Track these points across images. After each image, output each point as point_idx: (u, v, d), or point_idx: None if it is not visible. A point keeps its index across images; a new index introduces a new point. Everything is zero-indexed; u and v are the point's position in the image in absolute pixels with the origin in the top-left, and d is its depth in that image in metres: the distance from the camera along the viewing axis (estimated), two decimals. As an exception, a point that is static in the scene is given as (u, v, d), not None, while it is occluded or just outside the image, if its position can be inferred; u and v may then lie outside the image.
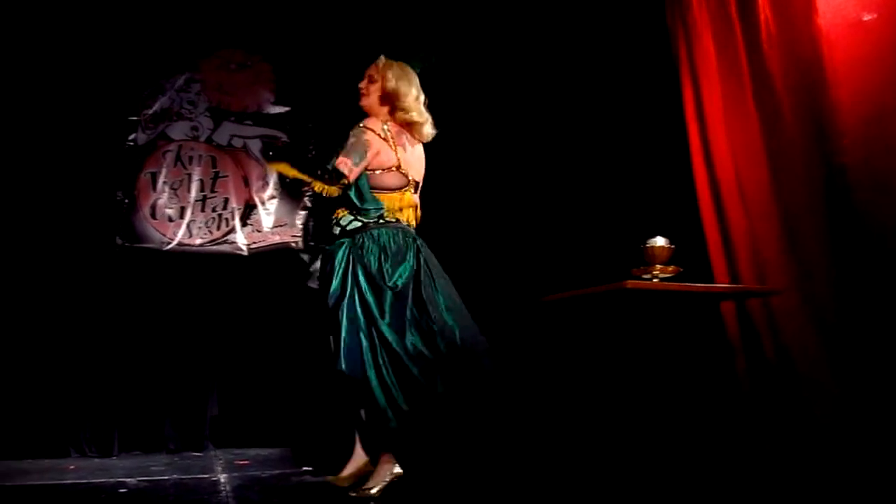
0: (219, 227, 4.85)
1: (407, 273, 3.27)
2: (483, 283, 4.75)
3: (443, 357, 3.15)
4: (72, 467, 3.92)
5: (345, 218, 3.33)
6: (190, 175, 4.84)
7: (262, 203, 4.93)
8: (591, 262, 4.01)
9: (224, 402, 4.62)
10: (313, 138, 4.99)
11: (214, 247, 4.83)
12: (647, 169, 4.17)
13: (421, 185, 3.52)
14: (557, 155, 4.67)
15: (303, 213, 4.97)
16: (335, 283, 3.21)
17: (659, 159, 4.11)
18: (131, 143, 4.77)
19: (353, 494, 3.03)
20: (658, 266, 3.24)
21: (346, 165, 3.18)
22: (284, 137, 4.99)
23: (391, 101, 3.40)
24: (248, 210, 4.91)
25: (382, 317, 3.15)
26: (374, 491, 3.03)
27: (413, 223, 3.45)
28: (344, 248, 3.28)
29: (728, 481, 3.06)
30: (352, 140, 3.25)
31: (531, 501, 2.94)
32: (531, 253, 4.67)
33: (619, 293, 3.04)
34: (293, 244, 4.92)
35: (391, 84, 3.39)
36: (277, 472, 3.63)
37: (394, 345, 3.11)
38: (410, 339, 3.16)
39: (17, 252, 4.38)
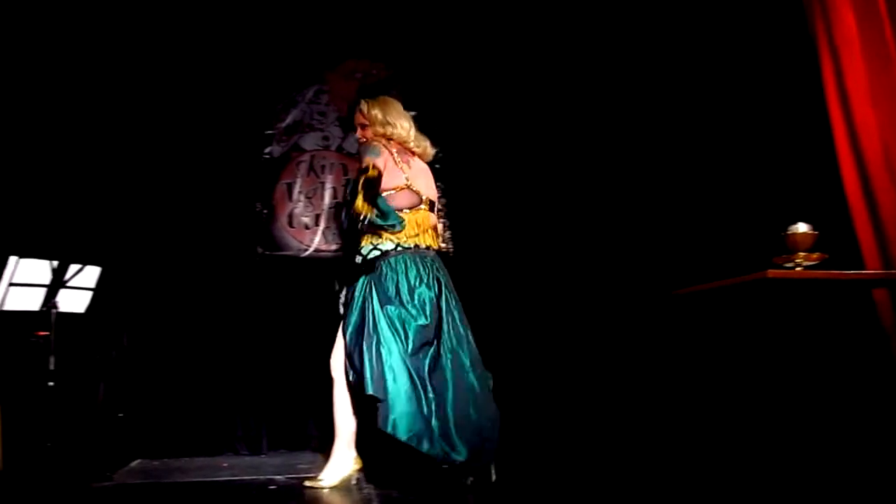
0: (352, 233, 4.99)
1: (428, 301, 3.33)
2: (615, 277, 4.68)
3: (452, 383, 3.23)
4: (225, 465, 4.15)
5: (365, 247, 3.41)
6: (323, 183, 5.01)
7: (393, 207, 5.03)
8: (725, 252, 3.87)
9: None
10: (439, 141, 5.04)
11: (349, 252, 4.97)
12: (785, 152, 3.98)
13: (437, 205, 3.63)
14: (690, 142, 4.52)
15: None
16: (355, 315, 3.31)
17: (798, 141, 3.91)
18: (267, 156, 4.99)
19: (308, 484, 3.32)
20: (801, 253, 3.09)
21: (368, 162, 3.35)
22: (411, 142, 5.06)
23: (387, 135, 3.55)
24: (381, 215, 5.02)
25: (400, 343, 3.21)
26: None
27: (434, 245, 3.53)
28: (363, 277, 3.38)
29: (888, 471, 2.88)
30: (361, 150, 3.49)
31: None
32: (664, 244, 4.55)
33: (760, 283, 2.92)
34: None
35: (380, 120, 3.55)
36: (417, 469, 3.69)
37: (412, 371, 3.18)
38: (427, 364, 3.23)
39: (171, 265, 4.68)
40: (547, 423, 4.52)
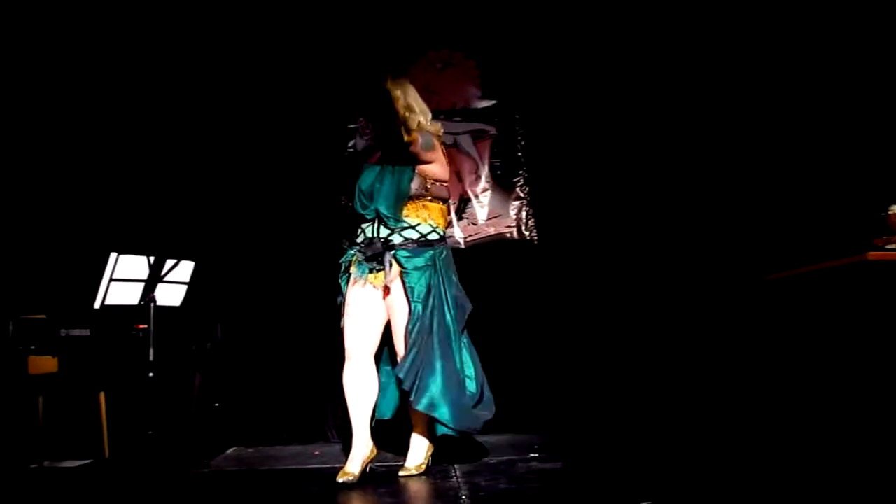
0: (437, 222, 5.00)
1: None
2: (705, 260, 4.57)
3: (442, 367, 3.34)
4: (316, 452, 4.23)
5: (423, 226, 3.45)
6: (405, 174, 5.03)
7: (476, 196, 5.02)
8: (821, 234, 3.71)
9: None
10: (521, 128, 5.02)
11: (434, 242, 4.99)
12: (883, 130, 3.78)
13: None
14: (784, 121, 4.35)
15: (516, 203, 5.00)
16: (426, 298, 3.36)
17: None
18: (351, 150, 5.06)
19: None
20: (904, 235, 2.94)
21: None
22: (493, 130, 5.05)
23: (407, 120, 3.44)
24: (463, 204, 5.03)
25: (455, 331, 3.43)
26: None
27: None
28: (430, 259, 3.41)
29: None
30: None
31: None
32: (756, 228, 4.40)
33: (860, 266, 2.79)
34: (508, 234, 4.97)
35: (402, 103, 3.43)
36: (505, 458, 3.69)
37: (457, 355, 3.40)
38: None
39: (262, 259, 4.81)
40: (639, 410, 4.46)
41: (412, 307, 3.34)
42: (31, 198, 4.47)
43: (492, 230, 4.96)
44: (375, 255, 3.42)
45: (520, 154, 5.01)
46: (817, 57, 4.15)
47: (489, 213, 4.98)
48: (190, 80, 4.85)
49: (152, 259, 3.84)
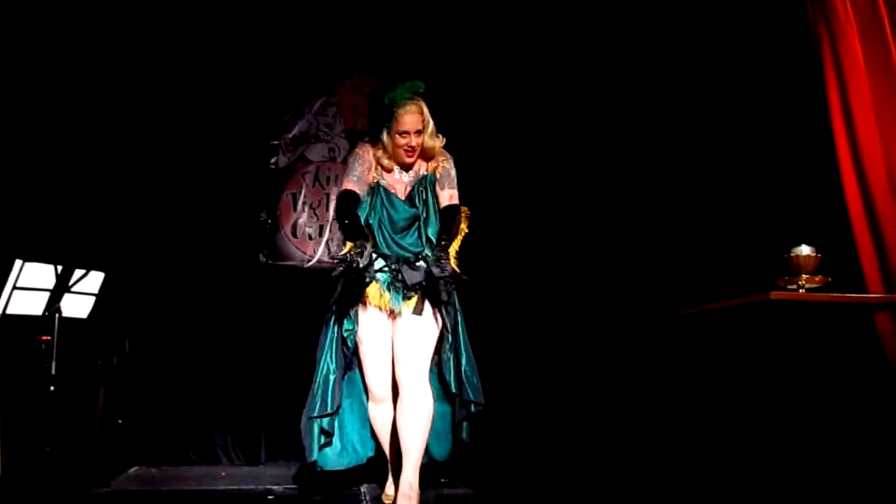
0: (356, 245, 4.98)
1: None
2: (618, 295, 4.69)
3: None
4: (223, 474, 4.14)
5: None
6: (328, 195, 5.01)
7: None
8: (731, 272, 3.87)
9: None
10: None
11: (352, 263, 4.96)
12: (790, 174, 3.99)
13: None
14: (696, 161, 4.53)
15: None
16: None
17: (803, 163, 3.92)
18: (273, 166, 5.01)
19: None
20: (804, 276, 3.09)
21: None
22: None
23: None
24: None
25: None
26: None
27: None
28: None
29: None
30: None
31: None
32: (668, 263, 4.55)
33: (763, 305, 2.92)
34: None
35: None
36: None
37: None
38: None
39: (174, 272, 4.69)
40: (548, 440, 4.52)
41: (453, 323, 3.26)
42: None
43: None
44: (417, 283, 3.16)
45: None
46: (732, 102, 4.34)
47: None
48: (111, 83, 4.69)
49: (60, 268, 3.70)
